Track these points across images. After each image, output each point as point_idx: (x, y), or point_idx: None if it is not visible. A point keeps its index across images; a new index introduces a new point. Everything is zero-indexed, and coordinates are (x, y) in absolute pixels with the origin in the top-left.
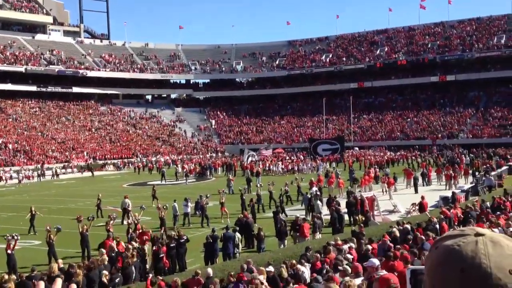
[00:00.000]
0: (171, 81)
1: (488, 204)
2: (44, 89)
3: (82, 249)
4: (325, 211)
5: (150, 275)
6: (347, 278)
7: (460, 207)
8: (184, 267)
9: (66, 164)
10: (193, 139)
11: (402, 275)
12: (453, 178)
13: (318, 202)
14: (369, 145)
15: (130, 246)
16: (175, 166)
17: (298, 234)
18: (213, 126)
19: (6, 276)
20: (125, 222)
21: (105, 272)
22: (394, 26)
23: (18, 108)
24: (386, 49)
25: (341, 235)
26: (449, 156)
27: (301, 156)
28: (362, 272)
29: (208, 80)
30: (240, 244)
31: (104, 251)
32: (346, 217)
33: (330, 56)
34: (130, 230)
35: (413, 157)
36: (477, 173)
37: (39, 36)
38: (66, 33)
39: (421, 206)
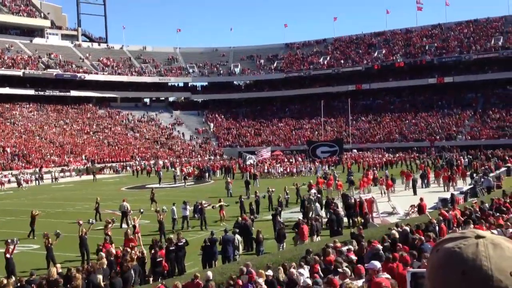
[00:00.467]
0: (169, 84)
1: (487, 205)
2: (42, 93)
3: (81, 253)
4: (323, 213)
5: (151, 279)
6: (347, 281)
7: (459, 209)
8: (183, 270)
9: (65, 167)
10: (191, 142)
11: (402, 277)
12: (452, 180)
13: (317, 204)
14: (368, 147)
15: (128, 250)
16: (173, 169)
17: (296, 235)
18: (211, 129)
19: (5, 281)
20: (124, 226)
21: (100, 276)
22: (392, 28)
23: (16, 112)
24: (383, 51)
25: (340, 237)
26: (447, 158)
27: (300, 159)
28: (364, 274)
29: (206, 83)
30: (240, 246)
31: (103, 255)
32: (345, 219)
33: (328, 58)
34: (129, 233)
35: (412, 159)
36: (475, 175)
37: (37, 40)
38: (64, 36)
39: (420, 208)
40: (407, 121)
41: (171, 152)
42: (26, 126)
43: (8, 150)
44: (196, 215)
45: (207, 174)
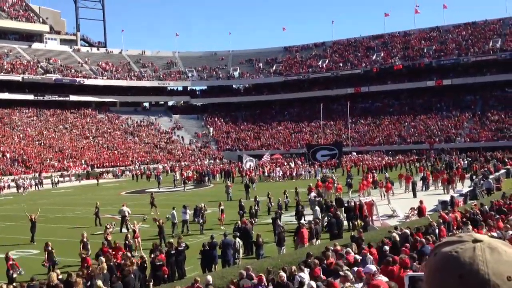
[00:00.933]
0: (168, 88)
1: (486, 208)
2: (41, 98)
3: (81, 257)
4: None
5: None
6: (347, 284)
7: (459, 211)
8: (183, 274)
9: (64, 172)
10: (190, 146)
11: (401, 280)
12: (451, 182)
13: (317, 207)
14: (367, 150)
15: (128, 254)
16: (173, 173)
17: (296, 238)
18: (210, 133)
19: (5, 287)
20: (124, 230)
21: (100, 281)
22: (390, 31)
23: (15, 117)
24: (382, 54)
25: (340, 240)
26: (447, 160)
27: (299, 162)
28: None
29: (205, 87)
30: (240, 250)
31: (103, 259)
32: (345, 222)
33: (327, 61)
34: (129, 237)
35: (411, 162)
36: (474, 177)
37: (36, 45)
38: (63, 41)
39: (420, 211)
40: (406, 124)
41: (170, 156)
42: (25, 131)
43: (8, 155)
44: (196, 219)
45: (206, 178)
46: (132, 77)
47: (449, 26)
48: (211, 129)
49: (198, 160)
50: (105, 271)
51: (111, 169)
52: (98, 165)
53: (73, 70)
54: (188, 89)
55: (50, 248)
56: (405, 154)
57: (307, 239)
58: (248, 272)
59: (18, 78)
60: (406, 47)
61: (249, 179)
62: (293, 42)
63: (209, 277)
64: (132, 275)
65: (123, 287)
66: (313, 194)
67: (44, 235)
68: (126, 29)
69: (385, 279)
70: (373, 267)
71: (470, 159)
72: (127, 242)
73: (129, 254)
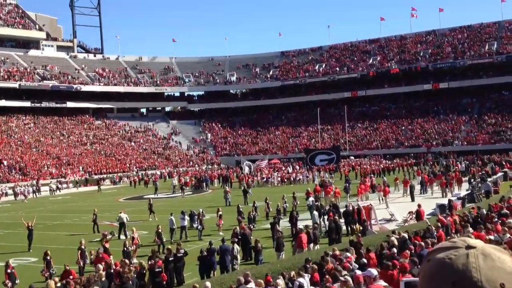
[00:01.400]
0: (166, 94)
1: (484, 211)
2: (38, 105)
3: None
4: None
5: None
6: None
7: (457, 214)
8: (182, 281)
9: (62, 179)
10: (188, 151)
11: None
12: (449, 185)
13: (315, 212)
14: (365, 153)
15: (127, 261)
16: (171, 179)
17: (294, 243)
18: (208, 138)
19: None
20: (122, 237)
21: None
22: (386, 35)
23: (12, 124)
24: (378, 58)
25: (339, 245)
26: (444, 164)
27: (297, 167)
28: (364, 283)
29: (203, 92)
30: (238, 255)
31: (101, 266)
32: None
33: (323, 66)
34: (127, 244)
35: (409, 165)
36: (472, 180)
37: (33, 52)
38: (60, 48)
39: (418, 214)
40: (403, 127)
41: (168, 162)
42: (22, 138)
43: (5, 162)
44: (194, 225)
45: (204, 184)
46: (129, 83)
47: (445, 30)
48: (209, 134)
49: (196, 165)
50: (103, 279)
51: (109, 175)
52: (96, 172)
53: (70, 77)
54: (185, 95)
55: (49, 258)
56: (403, 158)
57: (306, 244)
58: (246, 278)
59: (15, 85)
60: (402, 50)
61: (247, 185)
62: (290, 47)
63: (208, 283)
64: (131, 282)
65: None
66: (311, 199)
67: (42, 243)
68: (123, 35)
69: (384, 284)
70: (374, 271)
71: (467, 163)
72: (125, 249)
73: (127, 261)
